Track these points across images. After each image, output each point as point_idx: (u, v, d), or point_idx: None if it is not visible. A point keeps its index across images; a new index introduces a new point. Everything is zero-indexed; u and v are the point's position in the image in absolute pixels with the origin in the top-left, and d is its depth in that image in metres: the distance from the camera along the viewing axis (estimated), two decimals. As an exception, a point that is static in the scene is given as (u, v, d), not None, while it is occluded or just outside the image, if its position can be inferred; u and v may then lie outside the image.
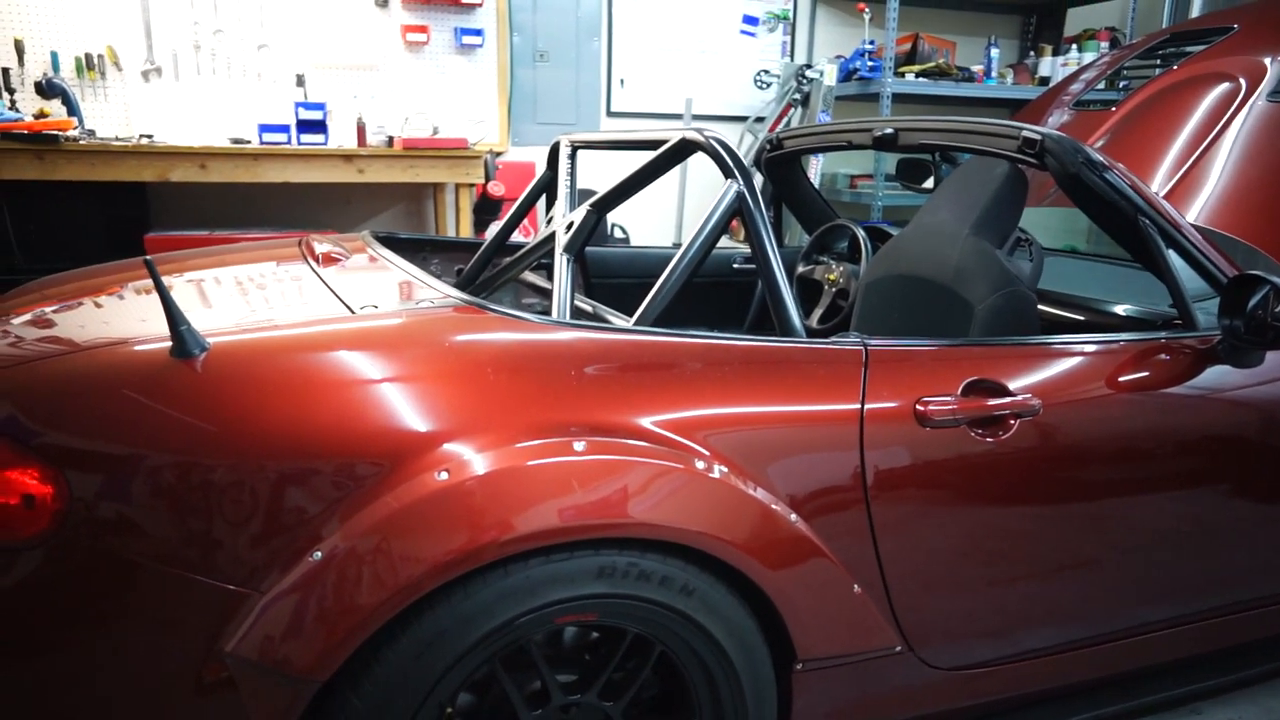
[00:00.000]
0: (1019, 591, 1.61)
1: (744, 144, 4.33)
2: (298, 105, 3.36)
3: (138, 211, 3.57)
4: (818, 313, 2.91)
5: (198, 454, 1.11)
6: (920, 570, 1.50)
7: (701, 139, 1.68)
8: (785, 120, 4.24)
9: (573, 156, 2.37)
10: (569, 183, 2.24)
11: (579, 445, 1.22)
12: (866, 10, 4.19)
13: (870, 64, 4.23)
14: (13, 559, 1.12)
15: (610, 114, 4.36)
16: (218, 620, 1.12)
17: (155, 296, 1.55)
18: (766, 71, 4.35)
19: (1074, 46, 4.59)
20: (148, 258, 1.20)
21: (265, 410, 1.15)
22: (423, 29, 3.86)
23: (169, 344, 1.18)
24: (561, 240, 1.93)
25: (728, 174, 1.59)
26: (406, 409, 1.19)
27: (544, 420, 1.24)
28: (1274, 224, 2.34)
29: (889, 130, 2.26)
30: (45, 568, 1.12)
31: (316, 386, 1.18)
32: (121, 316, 1.43)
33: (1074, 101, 3.38)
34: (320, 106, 3.35)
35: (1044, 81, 4.60)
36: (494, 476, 1.17)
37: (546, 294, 2.27)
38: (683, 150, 1.77)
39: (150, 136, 3.37)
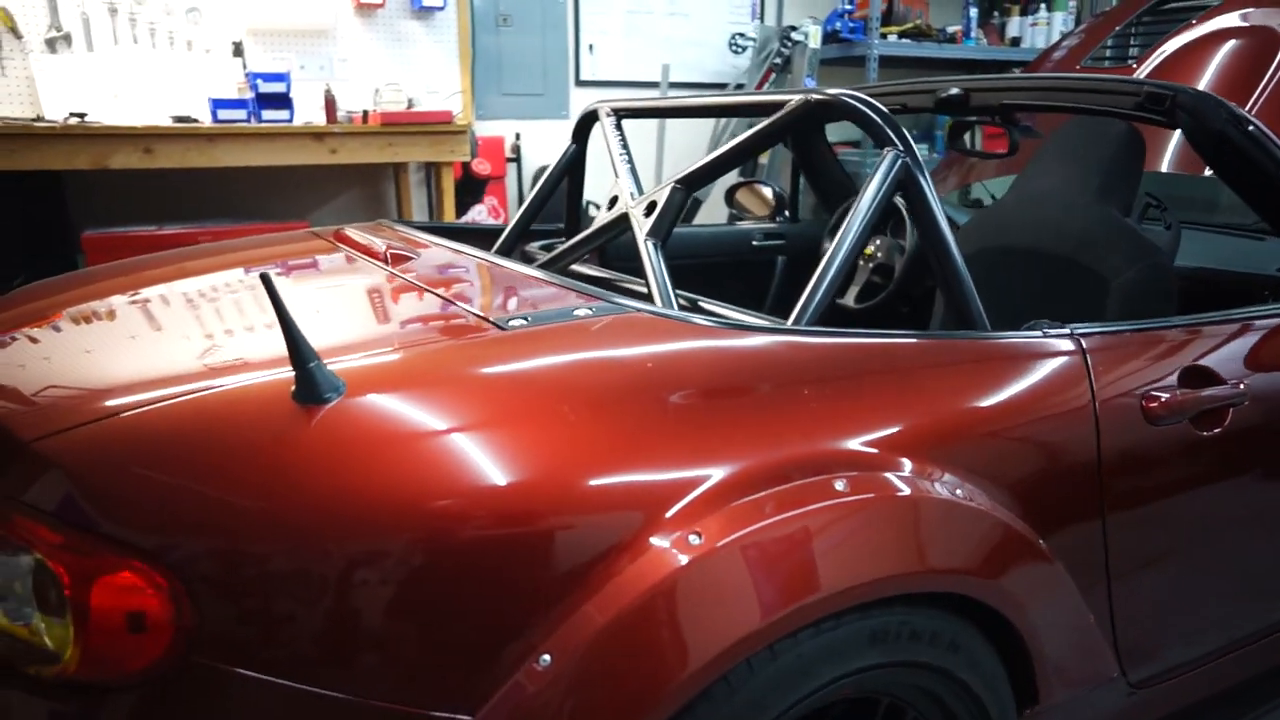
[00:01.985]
0: (1221, 595, 1.46)
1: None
2: (254, 77, 2.90)
3: (53, 206, 3.06)
4: (854, 291, 2.72)
5: (358, 536, 0.81)
6: (1144, 586, 1.32)
7: (839, 101, 1.44)
8: (766, 86, 4.02)
9: (619, 126, 2.09)
10: (625, 156, 1.96)
11: (839, 485, 0.97)
12: (847, -32, 4.00)
13: (850, 25, 4.05)
14: (93, 707, 0.80)
15: (580, 83, 4.03)
16: None
17: (178, 314, 1.22)
18: (742, 35, 4.12)
19: (1043, 6, 4.53)
20: (265, 273, 0.88)
21: (436, 473, 0.85)
22: (376, -11, 3.44)
23: (278, 384, 0.88)
24: (643, 224, 1.67)
25: (885, 142, 1.35)
26: (624, 455, 0.91)
27: (784, 454, 0.98)
28: None
29: (955, 91, 2.06)
30: (149, 713, 0.80)
31: (499, 435, 0.89)
32: (175, 344, 1.09)
33: (1087, 58, 3.28)
34: (284, 78, 2.90)
35: (1015, 42, 4.53)
36: (758, 535, 0.90)
37: (599, 284, 2.01)
38: (810, 115, 1.52)
39: (82, 116, 2.85)
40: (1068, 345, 1.27)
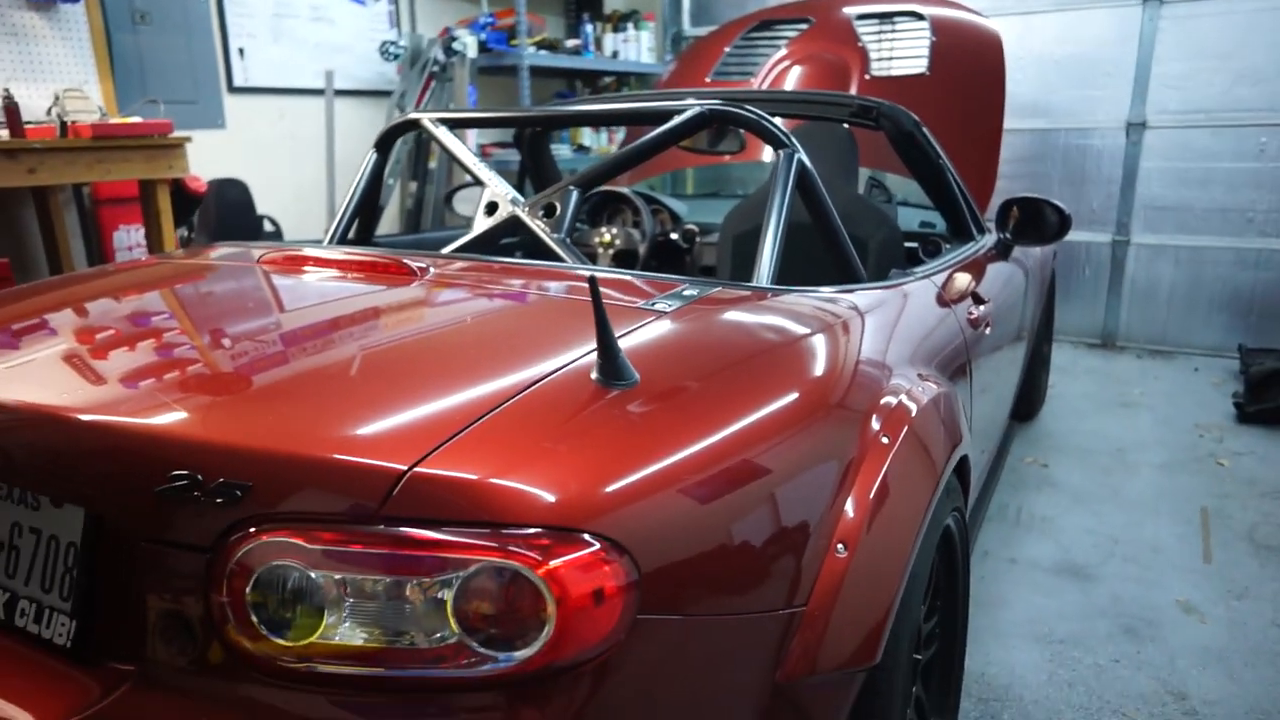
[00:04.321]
0: (993, 404, 2.20)
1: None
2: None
3: None
4: (599, 276, 3.11)
5: (729, 474, 1.00)
6: (976, 416, 1.95)
7: (736, 112, 1.82)
8: (428, 94, 4.12)
9: (458, 135, 2.23)
10: (484, 163, 2.11)
11: (920, 389, 1.38)
12: (488, -17, 4.27)
13: (494, 36, 4.33)
14: (551, 690, 0.87)
15: (233, 89, 3.72)
16: (771, 652, 1.04)
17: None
18: (393, 43, 4.15)
19: (630, 25, 5.29)
20: (593, 275, 0.99)
21: (746, 410, 1.08)
22: (-17, -25, 2.80)
23: (582, 370, 1.03)
24: (541, 225, 1.90)
25: (780, 145, 1.77)
26: (831, 383, 1.22)
27: (893, 371, 1.36)
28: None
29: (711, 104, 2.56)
30: (607, 679, 0.90)
31: (764, 376, 1.16)
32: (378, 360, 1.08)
33: (713, 72, 4.04)
34: (-45, 83, 2.26)
35: (615, 55, 5.22)
36: (917, 428, 1.28)
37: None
38: (703, 123, 1.87)
39: None
40: (934, 282, 1.83)
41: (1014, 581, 2.40)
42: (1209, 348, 4.64)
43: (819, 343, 1.28)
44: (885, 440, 1.22)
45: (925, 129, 2.29)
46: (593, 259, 3.23)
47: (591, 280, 0.99)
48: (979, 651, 2.08)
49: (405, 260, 1.53)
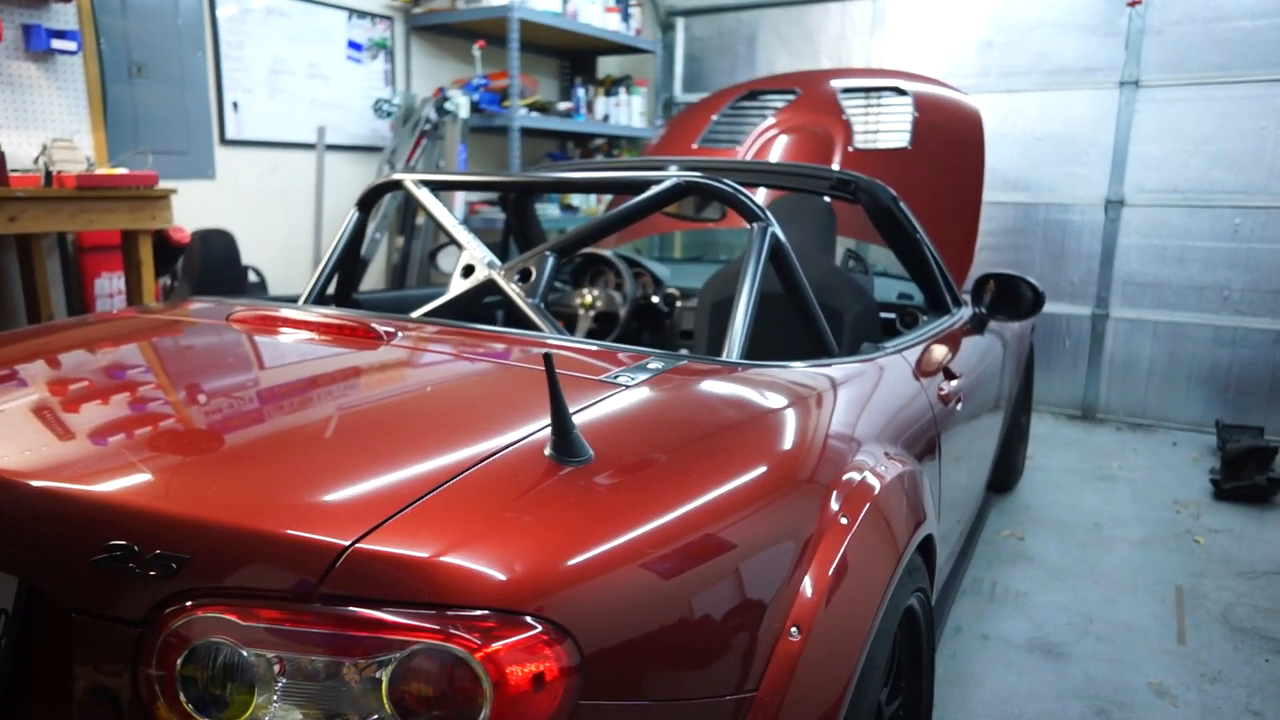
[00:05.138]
0: (964, 484, 2.20)
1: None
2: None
3: None
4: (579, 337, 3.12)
5: (677, 556, 0.99)
6: (944, 501, 1.95)
7: (710, 184, 1.84)
8: (419, 151, 4.18)
9: (438, 196, 2.26)
10: (463, 225, 2.13)
11: (884, 468, 1.37)
12: (484, 46, 4.36)
13: (488, 97, 4.41)
14: None
15: (225, 142, 3.76)
16: None
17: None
18: (387, 100, 4.22)
19: (622, 90, 5.40)
20: (547, 353, 0.99)
21: (700, 488, 1.07)
22: (-15, 26, 2.85)
23: (535, 447, 1.02)
24: (521, 288, 1.91)
25: (753, 218, 1.80)
26: (793, 459, 1.21)
27: (855, 449, 1.36)
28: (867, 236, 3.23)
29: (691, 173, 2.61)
30: None
31: (720, 455, 1.15)
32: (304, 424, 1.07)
33: (700, 139, 4.11)
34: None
35: (605, 119, 5.32)
36: (877, 509, 1.27)
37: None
38: (679, 194, 1.90)
39: None
40: (904, 359, 1.84)
41: (986, 659, 2.37)
42: (1187, 422, 4.67)
43: (780, 420, 1.29)
44: (844, 520, 1.21)
45: (903, 204, 2.33)
46: (573, 320, 3.24)
47: (546, 357, 0.99)
48: (948, 733, 2.05)
49: (373, 324, 1.53)
